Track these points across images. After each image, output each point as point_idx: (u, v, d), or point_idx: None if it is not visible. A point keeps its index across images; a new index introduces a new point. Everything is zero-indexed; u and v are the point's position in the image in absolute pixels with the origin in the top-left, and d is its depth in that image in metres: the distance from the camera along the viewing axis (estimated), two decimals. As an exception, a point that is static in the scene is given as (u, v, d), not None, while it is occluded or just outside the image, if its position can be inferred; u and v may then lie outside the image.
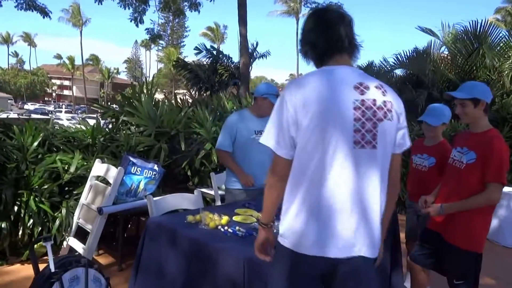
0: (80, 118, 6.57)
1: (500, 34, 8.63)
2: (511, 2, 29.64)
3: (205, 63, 11.97)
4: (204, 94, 11.26)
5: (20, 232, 3.35)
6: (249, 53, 10.32)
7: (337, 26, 1.44)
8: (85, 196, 3.50)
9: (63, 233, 3.49)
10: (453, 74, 8.80)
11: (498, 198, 2.12)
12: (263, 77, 62.07)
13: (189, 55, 78.13)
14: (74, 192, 3.67)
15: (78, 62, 53.78)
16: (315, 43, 1.47)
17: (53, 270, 2.21)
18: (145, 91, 4.69)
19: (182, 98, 6.45)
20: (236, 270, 1.79)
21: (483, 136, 2.20)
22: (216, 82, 11.27)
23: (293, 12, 44.44)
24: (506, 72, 8.12)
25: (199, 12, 11.94)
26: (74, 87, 56.63)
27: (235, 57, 11.94)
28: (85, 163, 3.70)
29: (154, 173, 3.54)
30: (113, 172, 3.30)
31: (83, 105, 47.14)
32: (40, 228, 3.38)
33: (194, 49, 11.67)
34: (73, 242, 3.42)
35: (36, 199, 3.38)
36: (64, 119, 22.47)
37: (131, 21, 10.95)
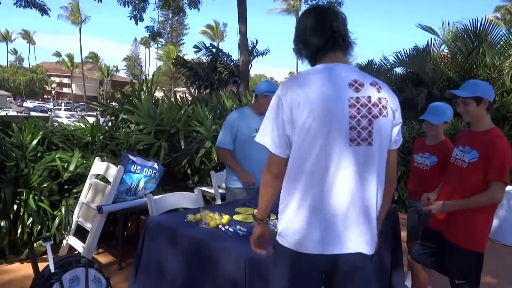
0: (79, 116, 6.55)
1: (501, 33, 8.62)
2: (510, 1, 29.61)
3: (204, 61, 11.94)
4: (204, 92, 11.24)
5: (20, 231, 3.34)
6: (248, 51, 10.29)
7: (330, 23, 1.44)
8: (85, 195, 3.49)
9: (63, 232, 3.48)
10: (453, 72, 8.80)
11: (501, 198, 2.11)
12: (262, 75, 62.01)
13: (189, 53, 78.18)
14: (74, 191, 3.65)
15: (77, 59, 53.79)
16: (309, 41, 1.47)
17: (53, 270, 2.20)
18: (144, 89, 4.67)
19: (181, 96, 6.42)
20: (237, 269, 1.78)
21: (486, 135, 2.19)
22: (216, 80, 11.24)
23: (293, 10, 44.31)
24: (506, 70, 8.11)
25: (198, 10, 11.93)
26: (73, 85, 56.54)
27: (235, 55, 11.92)
28: (84, 162, 3.68)
29: (154, 171, 3.53)
30: (112, 171, 3.28)
31: (82, 103, 47.06)
32: (39, 227, 3.37)
33: (194, 47, 11.64)
34: (72, 240, 3.41)
35: (36, 197, 3.37)
36: (63, 116, 22.40)
37: (130, 18, 10.94)
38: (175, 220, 2.32)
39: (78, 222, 3.47)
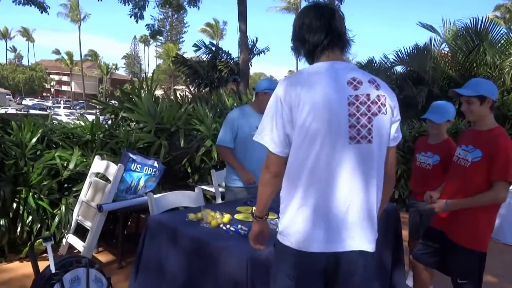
0: (79, 114, 6.53)
1: (501, 31, 8.62)
2: (510, -1, 29.61)
3: (204, 59, 11.93)
4: (203, 91, 11.22)
5: (19, 229, 3.33)
6: (248, 49, 10.27)
7: (327, 21, 1.44)
8: (85, 193, 3.48)
9: (63, 231, 3.47)
10: (453, 71, 8.79)
11: (505, 197, 2.10)
12: (262, 74, 61.91)
13: (188, 51, 78.05)
14: (74, 189, 3.64)
15: (76, 57, 53.72)
16: (306, 38, 1.47)
17: (53, 271, 2.18)
18: (144, 87, 4.65)
19: (181, 94, 6.41)
20: (239, 269, 1.77)
21: (489, 134, 2.17)
22: (216, 79, 11.23)
23: (293, 8, 44.23)
24: (507, 69, 8.10)
25: (198, 8, 11.91)
26: (73, 83, 56.50)
27: (234, 53, 11.91)
28: (84, 160, 3.66)
29: (154, 170, 3.51)
30: (113, 169, 3.27)
31: (81, 101, 47.05)
32: (39, 225, 3.36)
33: (193, 46, 11.64)
34: (72, 239, 3.40)
35: (35, 196, 3.35)
36: (63, 114, 22.40)
37: (131, 16, 10.91)
38: (176, 219, 2.30)
39: (78, 221, 3.46)
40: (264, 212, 1.57)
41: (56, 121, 4.39)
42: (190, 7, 11.85)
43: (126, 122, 4.45)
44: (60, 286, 2.15)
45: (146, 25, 12.17)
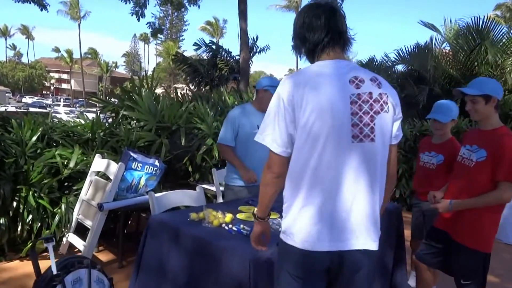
0: (79, 112, 6.52)
1: (503, 30, 8.61)
2: (511, -1, 29.59)
3: (204, 57, 11.90)
4: (203, 89, 11.20)
5: (19, 228, 3.31)
6: (249, 48, 10.24)
7: (328, 19, 1.43)
8: (85, 192, 3.46)
9: (63, 229, 3.45)
10: (454, 70, 8.78)
11: (510, 198, 2.08)
12: (262, 72, 61.89)
13: (188, 49, 77.98)
14: (74, 188, 3.62)
15: (76, 55, 53.63)
16: (306, 37, 1.46)
17: (55, 272, 2.16)
18: (145, 85, 4.63)
19: (182, 92, 6.39)
20: (241, 270, 1.75)
21: (494, 133, 2.15)
22: (216, 77, 11.20)
23: (293, 6, 44.16)
24: (509, 68, 8.08)
25: (199, 6, 11.86)
26: (72, 81, 56.41)
27: (235, 51, 11.89)
28: (84, 158, 3.65)
29: (155, 168, 3.49)
30: (113, 168, 3.25)
31: (81, 99, 46.96)
32: (39, 224, 3.34)
33: (194, 44, 11.60)
34: (72, 238, 3.38)
35: (35, 194, 3.33)
36: (62, 112, 22.36)
37: (132, 15, 10.86)
38: (178, 219, 2.28)
39: (79, 220, 3.44)
40: (266, 212, 1.55)
41: (56, 119, 4.38)
42: (190, 6, 11.79)
43: (127, 120, 4.43)
44: (61, 287, 2.13)
45: (148, 23, 12.12)
